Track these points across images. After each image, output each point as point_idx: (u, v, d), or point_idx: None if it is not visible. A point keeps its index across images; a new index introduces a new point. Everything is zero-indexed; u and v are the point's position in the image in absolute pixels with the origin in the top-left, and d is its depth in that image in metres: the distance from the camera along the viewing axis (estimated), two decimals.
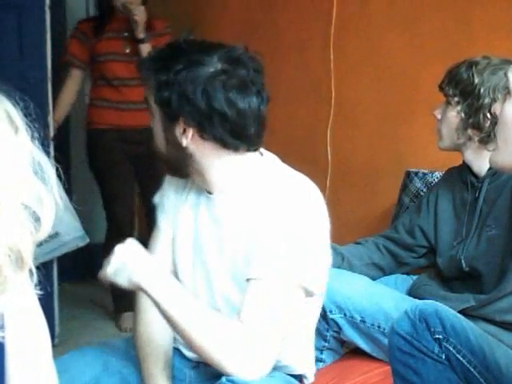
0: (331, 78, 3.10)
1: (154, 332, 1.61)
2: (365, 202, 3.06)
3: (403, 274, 2.29)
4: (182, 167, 1.55)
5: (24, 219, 0.89)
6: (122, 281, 1.45)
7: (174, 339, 1.63)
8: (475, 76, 1.98)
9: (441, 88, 2.08)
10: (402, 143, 2.91)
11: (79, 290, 3.81)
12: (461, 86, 2.01)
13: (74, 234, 3.15)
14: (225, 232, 1.54)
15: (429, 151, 2.73)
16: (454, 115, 2.03)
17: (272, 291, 1.43)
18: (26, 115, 0.93)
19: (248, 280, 1.45)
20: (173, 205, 1.64)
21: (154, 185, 3.20)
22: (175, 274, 1.62)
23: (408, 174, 2.71)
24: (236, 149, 1.50)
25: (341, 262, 2.14)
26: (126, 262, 1.46)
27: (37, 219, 0.91)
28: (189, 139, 1.49)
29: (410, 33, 2.84)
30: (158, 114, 1.52)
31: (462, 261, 2.01)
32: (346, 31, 3.06)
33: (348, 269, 2.13)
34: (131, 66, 3.11)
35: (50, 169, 0.92)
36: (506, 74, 1.52)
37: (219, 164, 1.52)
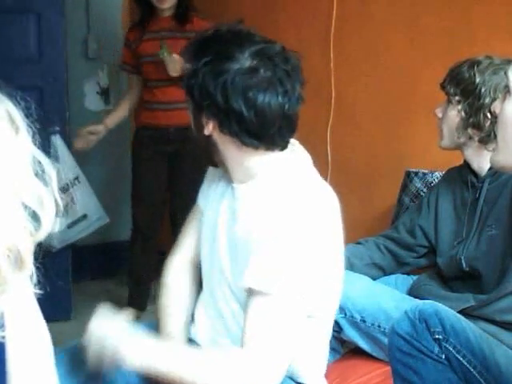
0: (331, 78, 3.09)
1: (177, 296, 1.70)
2: (365, 202, 3.06)
3: (403, 274, 2.30)
4: (211, 154, 1.56)
5: (24, 219, 0.89)
6: (108, 356, 1.47)
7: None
8: (476, 75, 1.98)
9: (442, 87, 2.08)
10: (402, 143, 2.91)
11: (79, 289, 3.81)
12: (462, 85, 2.01)
13: (97, 215, 3.39)
14: (237, 225, 1.54)
15: (429, 151, 2.73)
16: (455, 114, 2.03)
17: (277, 309, 1.41)
18: (27, 116, 0.93)
19: (251, 290, 1.43)
20: (206, 191, 1.69)
21: (184, 193, 3.23)
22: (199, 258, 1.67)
23: (408, 173, 2.71)
24: (255, 147, 1.49)
25: None
26: (103, 342, 1.47)
27: (37, 219, 0.91)
28: (210, 130, 1.50)
29: (410, 32, 2.83)
30: (188, 100, 1.55)
31: (462, 261, 2.01)
32: (346, 31, 3.06)
33: (349, 268, 2.13)
34: (162, 66, 3.10)
35: (50, 169, 0.92)
36: (506, 73, 1.51)
37: (240, 158, 1.52)
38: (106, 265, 4.00)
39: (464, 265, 2.01)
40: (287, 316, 1.43)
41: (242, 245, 1.51)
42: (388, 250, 2.23)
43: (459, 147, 2.08)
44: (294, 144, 1.59)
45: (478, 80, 1.97)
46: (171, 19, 3.20)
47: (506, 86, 1.48)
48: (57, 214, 0.93)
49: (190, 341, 1.68)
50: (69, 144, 3.31)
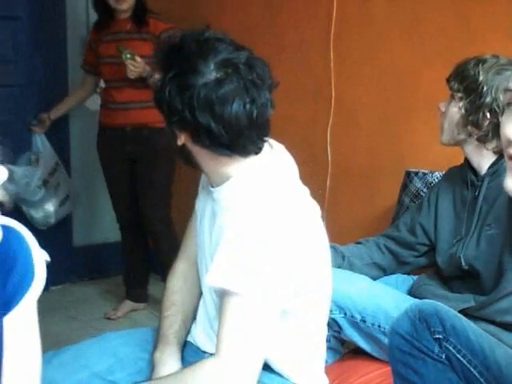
0: (331, 78, 3.09)
1: (177, 300, 1.71)
2: (365, 202, 3.06)
3: (404, 273, 2.30)
4: (185, 158, 1.57)
5: None
6: None
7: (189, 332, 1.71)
8: (480, 74, 1.98)
9: (447, 81, 2.08)
10: (402, 143, 2.91)
11: (79, 289, 3.81)
12: (465, 82, 2.01)
13: (74, 196, 3.80)
14: (214, 227, 1.56)
15: (429, 151, 2.73)
16: (456, 110, 2.04)
17: (248, 311, 1.41)
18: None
19: (223, 292, 1.43)
20: (199, 194, 1.71)
21: (148, 192, 3.29)
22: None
23: (408, 173, 2.71)
24: (229, 156, 1.50)
25: (341, 261, 2.15)
26: None
27: None
28: (183, 141, 1.51)
29: (410, 33, 2.83)
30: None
31: (462, 259, 2.01)
32: (346, 31, 3.06)
33: (349, 268, 2.14)
34: (119, 67, 3.17)
35: None
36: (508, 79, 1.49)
37: (214, 165, 1.53)
38: (105, 265, 4.00)
39: (463, 263, 2.01)
40: (259, 318, 1.43)
41: (217, 246, 1.52)
42: (388, 250, 2.23)
43: (459, 144, 2.08)
44: (273, 145, 1.60)
45: (481, 78, 1.97)
46: (129, 21, 3.27)
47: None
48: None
49: (188, 342, 1.70)
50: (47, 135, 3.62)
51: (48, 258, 1.08)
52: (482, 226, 2.00)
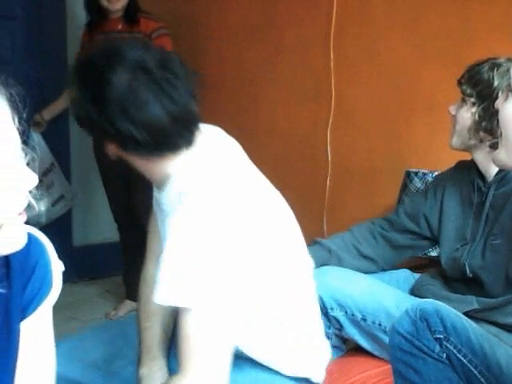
0: (331, 78, 3.09)
1: (155, 309, 1.66)
2: (365, 202, 3.06)
3: (403, 267, 2.28)
4: (130, 168, 1.57)
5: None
6: None
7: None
8: (495, 79, 1.91)
9: (459, 83, 2.00)
10: (402, 143, 2.91)
11: (79, 289, 3.81)
12: (479, 87, 1.94)
13: (70, 195, 3.79)
14: (162, 229, 1.55)
15: (429, 151, 2.73)
16: (468, 116, 1.97)
17: (201, 323, 1.38)
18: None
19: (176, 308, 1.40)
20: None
21: (137, 191, 3.29)
22: None
23: (408, 173, 2.71)
24: (160, 156, 1.49)
25: (328, 255, 2.12)
26: None
27: None
28: (114, 152, 1.52)
29: (410, 33, 2.83)
30: None
31: (467, 266, 1.98)
32: (346, 31, 3.06)
33: (337, 263, 2.09)
34: None
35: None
36: (508, 71, 1.48)
37: (150, 169, 1.53)
38: (105, 265, 4.00)
39: (468, 271, 1.99)
40: (215, 327, 1.40)
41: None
42: (383, 237, 2.18)
43: (469, 149, 2.02)
44: (203, 130, 1.55)
45: (496, 84, 1.90)
46: (120, 20, 3.27)
47: (509, 85, 1.45)
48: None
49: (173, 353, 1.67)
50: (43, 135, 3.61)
51: (63, 268, 1.13)
52: (488, 234, 1.97)
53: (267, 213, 1.54)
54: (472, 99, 1.96)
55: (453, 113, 2.03)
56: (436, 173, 2.53)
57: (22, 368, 1.06)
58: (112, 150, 1.52)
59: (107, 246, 3.98)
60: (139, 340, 1.66)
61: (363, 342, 1.98)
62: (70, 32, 3.84)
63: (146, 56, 1.46)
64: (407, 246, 2.20)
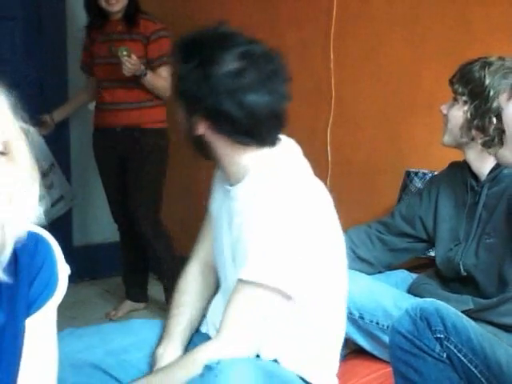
0: (331, 78, 3.09)
1: (186, 301, 1.74)
2: (365, 201, 3.06)
3: (401, 268, 2.28)
4: (204, 153, 1.61)
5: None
6: None
7: (205, 322, 1.74)
8: (487, 77, 1.92)
9: (451, 82, 2.02)
10: (402, 143, 2.91)
11: (79, 289, 3.81)
12: (471, 85, 1.95)
13: (70, 196, 3.80)
14: (233, 225, 1.58)
15: (429, 151, 2.73)
16: (460, 114, 1.98)
17: (259, 302, 1.48)
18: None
19: (241, 281, 1.49)
20: (213, 195, 1.74)
21: (136, 194, 3.30)
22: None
23: (408, 174, 2.71)
24: (247, 144, 1.54)
25: None
26: None
27: None
28: (202, 131, 1.55)
29: (410, 33, 2.83)
30: (178, 103, 1.59)
31: (461, 265, 2.00)
32: (346, 31, 3.06)
33: None
34: (110, 67, 3.18)
35: None
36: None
37: (232, 155, 1.57)
38: (106, 265, 4.00)
39: (462, 270, 2.00)
40: (266, 310, 1.49)
41: (237, 244, 1.56)
42: (380, 240, 2.19)
43: (461, 146, 2.04)
44: (282, 139, 1.63)
45: (487, 82, 1.91)
46: (120, 22, 3.28)
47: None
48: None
49: (192, 342, 1.72)
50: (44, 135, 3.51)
51: (69, 271, 1.17)
52: (482, 234, 1.98)
53: (328, 220, 1.58)
54: (464, 98, 1.98)
55: (444, 112, 2.05)
56: (436, 173, 2.54)
57: (24, 366, 1.07)
58: (203, 129, 1.55)
59: (107, 245, 3.98)
60: (164, 326, 1.72)
61: (361, 341, 1.98)
62: (69, 32, 3.84)
63: (253, 45, 1.54)
64: (404, 249, 2.21)
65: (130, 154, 3.30)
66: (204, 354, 1.48)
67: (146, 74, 3.14)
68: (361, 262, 2.17)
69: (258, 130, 1.52)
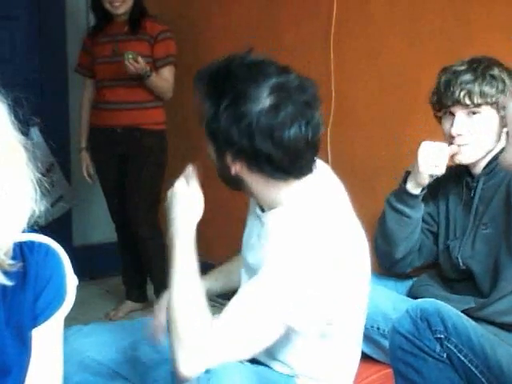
0: (331, 78, 3.09)
1: (222, 270, 1.83)
2: (365, 201, 3.04)
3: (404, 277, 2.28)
4: (238, 188, 1.56)
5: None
6: (168, 213, 1.51)
7: None
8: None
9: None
10: (402, 143, 2.90)
11: (79, 289, 3.81)
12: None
13: (70, 196, 3.78)
14: (261, 249, 1.55)
15: None
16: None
17: (262, 298, 1.41)
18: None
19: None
20: (248, 213, 1.71)
21: (135, 194, 3.30)
22: None
23: (408, 174, 2.70)
24: (285, 180, 1.49)
25: None
26: (178, 198, 1.51)
27: None
28: (238, 170, 1.49)
29: (410, 33, 2.83)
30: (210, 143, 1.51)
31: (459, 259, 2.01)
32: (346, 31, 3.05)
33: None
34: (113, 66, 3.18)
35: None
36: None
37: (268, 191, 1.52)
38: (105, 265, 4.00)
39: (461, 263, 2.01)
40: (269, 315, 1.42)
41: (254, 270, 1.52)
42: None
43: None
44: (316, 165, 1.58)
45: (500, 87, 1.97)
46: (126, 24, 3.29)
47: None
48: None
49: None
50: (45, 134, 3.50)
51: (77, 283, 1.18)
52: (478, 225, 2.00)
53: (353, 257, 1.53)
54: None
55: None
56: None
57: (30, 377, 1.08)
58: (239, 169, 1.48)
59: (107, 245, 3.98)
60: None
61: (362, 346, 1.97)
62: (69, 32, 3.85)
63: (285, 76, 1.46)
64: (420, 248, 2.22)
65: (130, 155, 3.30)
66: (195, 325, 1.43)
67: (149, 76, 3.13)
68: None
69: (298, 165, 1.47)
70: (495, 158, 1.97)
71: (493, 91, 1.93)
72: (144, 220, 3.31)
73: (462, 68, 1.99)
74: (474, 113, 1.96)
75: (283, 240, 1.44)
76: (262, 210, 1.58)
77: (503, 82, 1.95)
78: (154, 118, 3.31)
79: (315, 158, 1.52)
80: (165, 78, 3.21)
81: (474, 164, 2.03)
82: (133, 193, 3.31)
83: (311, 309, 1.43)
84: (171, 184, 1.57)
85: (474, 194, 2.03)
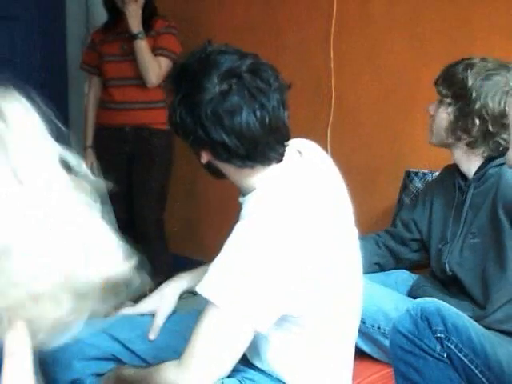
0: (331, 78, 3.09)
1: None
2: (365, 202, 3.05)
3: (403, 271, 2.29)
4: (216, 175, 1.57)
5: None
6: None
7: None
8: (469, 79, 1.95)
9: (436, 84, 2.06)
10: (402, 143, 2.91)
11: None
12: (454, 87, 1.98)
13: None
14: None
15: (429, 151, 2.72)
16: (445, 116, 2.01)
17: (221, 325, 1.39)
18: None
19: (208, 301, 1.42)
20: None
21: (144, 193, 3.28)
22: None
23: (408, 173, 2.71)
24: (251, 167, 1.48)
25: None
26: None
27: None
28: (206, 159, 1.51)
29: (410, 33, 2.84)
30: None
31: (446, 265, 2.01)
32: (346, 31, 3.06)
33: None
34: (122, 65, 3.17)
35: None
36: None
37: (240, 178, 1.52)
38: None
39: (447, 269, 2.01)
40: (230, 334, 1.39)
41: None
42: (386, 247, 2.24)
43: (448, 146, 2.07)
44: (302, 150, 1.56)
45: (470, 84, 1.94)
46: None
47: None
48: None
49: None
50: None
51: None
52: (467, 233, 2.00)
53: (330, 242, 1.49)
54: (448, 99, 2.00)
55: (431, 112, 2.07)
56: (436, 173, 2.54)
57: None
58: (206, 158, 1.50)
59: None
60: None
61: (362, 345, 1.97)
62: (69, 32, 3.85)
63: (239, 62, 1.45)
64: (410, 258, 2.26)
65: (137, 154, 3.29)
66: (165, 374, 1.44)
67: (141, 39, 3.11)
68: (376, 266, 2.22)
69: (258, 151, 1.45)
70: (486, 163, 1.97)
71: None
72: (151, 219, 3.31)
73: None
74: None
75: (241, 227, 1.42)
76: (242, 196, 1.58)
77: None
78: (163, 117, 3.30)
79: (282, 143, 1.49)
80: (157, 63, 3.17)
81: (467, 167, 2.03)
82: (141, 192, 3.30)
83: (265, 299, 1.40)
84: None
85: (465, 199, 2.03)
